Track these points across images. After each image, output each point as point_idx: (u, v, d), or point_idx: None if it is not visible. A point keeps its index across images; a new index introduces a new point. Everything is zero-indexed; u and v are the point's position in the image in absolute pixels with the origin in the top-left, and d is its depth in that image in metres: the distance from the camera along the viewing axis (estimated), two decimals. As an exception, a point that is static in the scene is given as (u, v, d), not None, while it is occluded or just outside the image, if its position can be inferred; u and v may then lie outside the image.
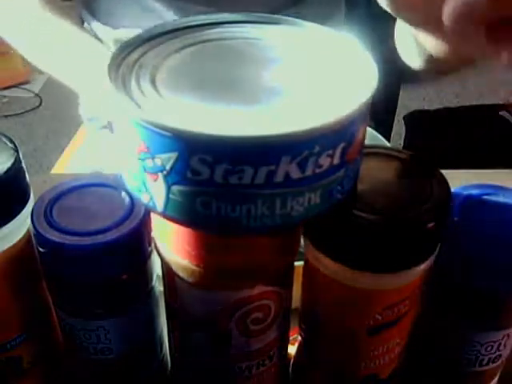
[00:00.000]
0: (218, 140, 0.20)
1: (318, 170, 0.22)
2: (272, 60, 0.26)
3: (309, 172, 0.22)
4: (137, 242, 0.30)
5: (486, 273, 0.29)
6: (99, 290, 0.30)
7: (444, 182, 0.28)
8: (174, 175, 0.21)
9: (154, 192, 0.23)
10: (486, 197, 0.32)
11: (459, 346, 0.33)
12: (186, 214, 0.22)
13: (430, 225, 0.26)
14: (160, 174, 0.22)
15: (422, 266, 0.28)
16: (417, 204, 0.27)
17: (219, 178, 0.21)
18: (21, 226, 0.31)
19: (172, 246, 0.27)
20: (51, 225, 0.29)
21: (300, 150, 0.21)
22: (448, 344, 0.33)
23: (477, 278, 0.30)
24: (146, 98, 0.23)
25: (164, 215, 0.23)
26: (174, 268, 0.28)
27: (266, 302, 0.29)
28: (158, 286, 0.33)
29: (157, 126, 0.21)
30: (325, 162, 0.22)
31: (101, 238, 0.28)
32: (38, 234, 0.29)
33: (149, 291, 0.33)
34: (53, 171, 0.80)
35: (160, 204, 0.23)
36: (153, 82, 0.24)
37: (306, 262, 0.30)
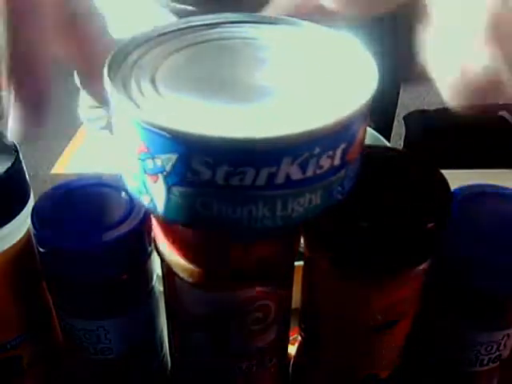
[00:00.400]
0: (219, 141, 0.20)
1: (318, 171, 0.22)
2: (271, 60, 0.26)
3: (310, 173, 0.22)
4: (137, 241, 0.30)
5: (486, 273, 0.29)
6: (99, 289, 0.30)
7: (444, 182, 0.28)
8: (175, 176, 0.21)
9: (154, 193, 0.23)
10: (485, 197, 0.32)
11: (459, 346, 0.33)
12: (187, 215, 0.22)
13: (430, 225, 0.26)
14: (160, 175, 0.22)
15: (423, 266, 0.28)
16: (417, 204, 0.27)
17: (220, 180, 0.21)
18: (21, 226, 0.31)
19: (172, 245, 0.27)
20: (51, 225, 0.29)
21: (301, 151, 0.21)
22: (448, 344, 0.33)
23: (476, 278, 0.30)
24: (145, 98, 0.23)
25: (164, 217, 0.23)
26: (174, 268, 0.28)
27: (266, 302, 0.29)
28: (158, 286, 0.33)
29: (157, 126, 0.21)
30: (325, 162, 0.22)
31: (101, 238, 0.28)
32: (37, 234, 0.29)
33: (149, 291, 0.33)
34: (53, 171, 0.80)
35: (160, 205, 0.23)
36: (153, 82, 0.24)
37: (306, 261, 0.30)
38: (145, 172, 0.22)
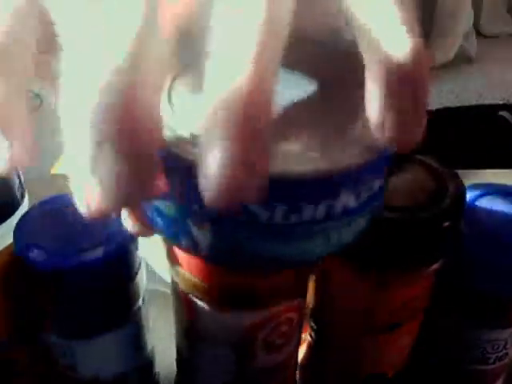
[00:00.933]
0: (279, 179, 0.18)
1: (369, 194, 0.21)
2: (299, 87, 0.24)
3: (363, 199, 0.21)
4: (123, 260, 0.30)
5: (489, 274, 0.29)
6: (79, 310, 0.30)
7: (457, 180, 0.28)
8: (226, 221, 0.19)
9: (198, 237, 0.20)
10: (488, 197, 0.32)
11: (466, 345, 0.33)
12: (236, 256, 0.21)
13: (446, 224, 0.26)
14: (209, 221, 0.20)
15: (437, 265, 0.27)
16: (433, 203, 0.26)
17: (278, 219, 0.19)
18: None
19: (196, 269, 0.26)
20: (32, 242, 0.28)
21: (358, 180, 0.20)
22: (454, 343, 0.33)
23: (479, 278, 0.29)
24: (183, 135, 0.20)
25: (209, 259, 0.22)
26: (195, 289, 0.27)
27: (290, 315, 0.28)
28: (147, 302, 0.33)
29: None
30: (375, 185, 0.21)
31: (85, 257, 0.28)
32: (18, 250, 0.28)
33: (136, 310, 0.32)
34: (53, 171, 0.80)
35: (205, 248, 0.21)
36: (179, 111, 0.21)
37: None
38: (189, 217, 0.20)
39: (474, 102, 0.95)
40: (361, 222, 0.22)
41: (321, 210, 0.20)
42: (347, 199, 0.20)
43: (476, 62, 0.96)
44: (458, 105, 0.91)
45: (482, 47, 0.96)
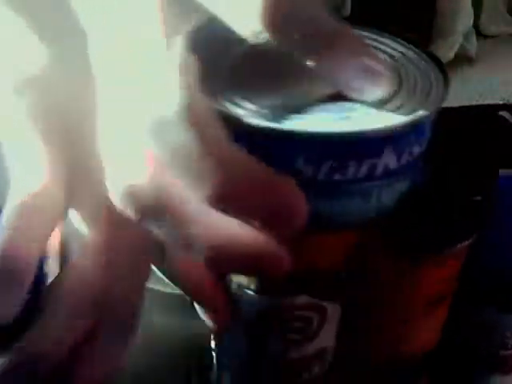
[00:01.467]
0: (326, 137, 0.20)
1: (410, 159, 0.22)
2: None
3: (404, 162, 0.22)
4: None
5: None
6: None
7: (489, 158, 0.28)
8: None
9: None
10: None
11: (486, 329, 0.33)
12: None
13: (478, 198, 0.26)
14: None
15: (469, 242, 0.28)
16: (466, 177, 0.29)
17: (322, 176, 0.21)
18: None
19: None
20: None
21: (402, 140, 0.22)
22: (474, 327, 0.33)
23: (501, 261, 0.29)
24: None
25: None
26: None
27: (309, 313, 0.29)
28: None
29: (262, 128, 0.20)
30: (416, 149, 0.22)
31: None
32: None
33: None
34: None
35: None
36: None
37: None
38: None
39: (474, 102, 0.95)
40: (400, 187, 0.22)
41: (363, 168, 0.21)
42: (389, 160, 0.21)
43: (476, 61, 0.96)
44: (458, 105, 0.90)
45: (482, 47, 0.95)
